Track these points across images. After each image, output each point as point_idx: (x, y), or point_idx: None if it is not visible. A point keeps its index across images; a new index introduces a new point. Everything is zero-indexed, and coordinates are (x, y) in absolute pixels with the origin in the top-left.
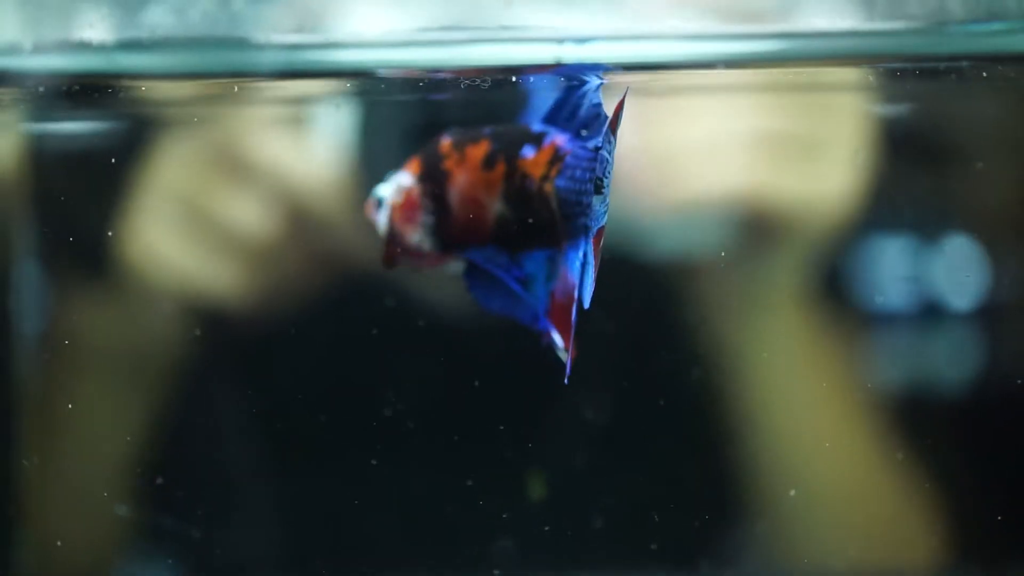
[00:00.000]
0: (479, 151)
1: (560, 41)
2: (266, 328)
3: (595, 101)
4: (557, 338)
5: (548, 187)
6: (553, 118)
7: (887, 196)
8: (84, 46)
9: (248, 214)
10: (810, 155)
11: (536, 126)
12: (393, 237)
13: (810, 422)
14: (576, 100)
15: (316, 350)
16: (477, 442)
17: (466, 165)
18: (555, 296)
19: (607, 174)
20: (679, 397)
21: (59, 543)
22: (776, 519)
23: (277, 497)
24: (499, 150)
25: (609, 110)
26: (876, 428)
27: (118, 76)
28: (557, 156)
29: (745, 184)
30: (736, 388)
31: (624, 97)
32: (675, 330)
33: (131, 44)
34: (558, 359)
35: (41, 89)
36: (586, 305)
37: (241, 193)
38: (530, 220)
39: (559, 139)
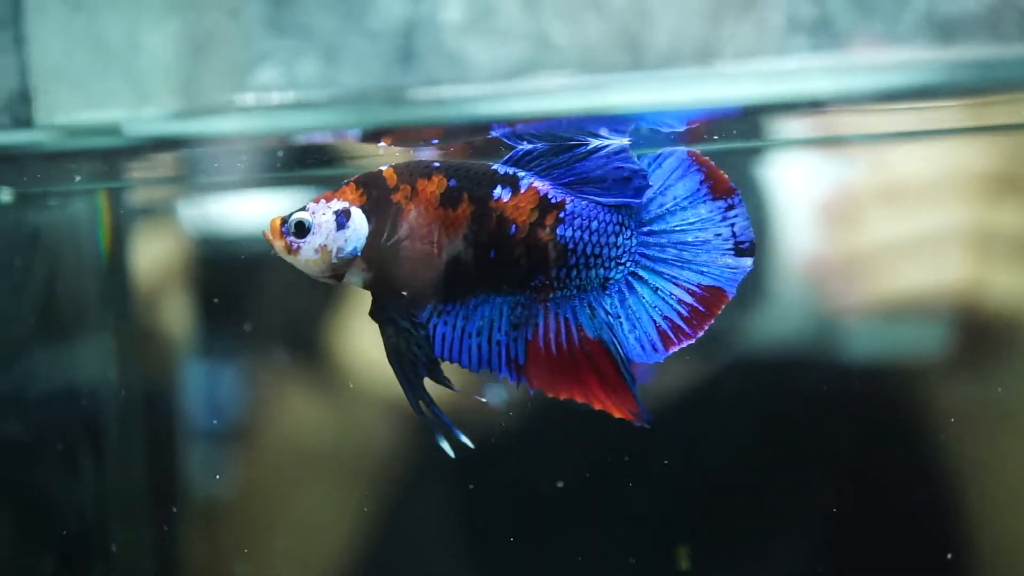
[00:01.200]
0: (432, 186)
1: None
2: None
3: (617, 163)
4: (536, 387)
5: (544, 234)
6: (528, 162)
7: None
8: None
9: None
10: None
11: (499, 167)
12: (334, 265)
13: None
14: (578, 154)
15: (529, 449)
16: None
17: (420, 200)
18: (537, 346)
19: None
20: (896, 500)
21: None
22: None
23: None
24: (460, 188)
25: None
26: None
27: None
28: (548, 203)
29: (960, 281)
30: (958, 496)
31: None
32: (889, 437)
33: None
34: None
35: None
36: (650, 359)
37: None
38: (503, 265)
39: (539, 184)
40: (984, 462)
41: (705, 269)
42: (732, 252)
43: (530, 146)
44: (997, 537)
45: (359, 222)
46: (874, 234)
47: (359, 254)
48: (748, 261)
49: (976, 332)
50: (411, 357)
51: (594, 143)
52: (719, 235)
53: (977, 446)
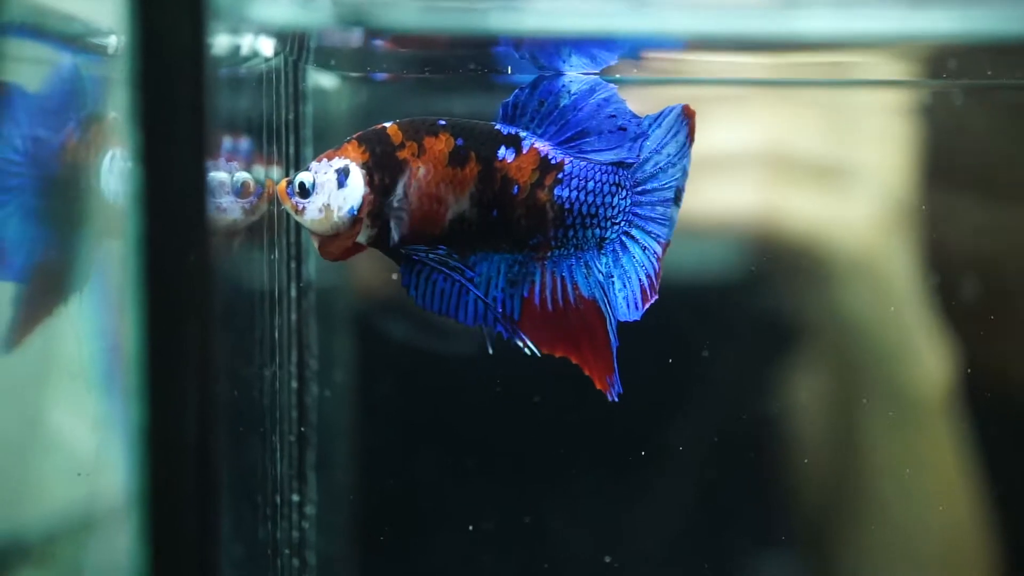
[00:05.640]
0: (440, 144)
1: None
2: None
3: (610, 110)
4: (530, 344)
5: (543, 195)
6: (519, 116)
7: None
8: None
9: None
10: (833, 177)
11: (503, 127)
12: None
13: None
14: (557, 99)
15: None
16: None
17: (428, 158)
18: (533, 303)
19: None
20: (702, 421)
21: None
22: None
23: None
24: (468, 147)
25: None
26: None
27: None
28: (548, 164)
29: (760, 206)
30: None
31: (685, 110)
32: (694, 355)
33: None
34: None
35: None
36: (630, 317)
37: None
38: (505, 224)
39: (539, 145)
40: (770, 379)
41: (671, 224)
42: (677, 203)
43: (513, 97)
44: (794, 441)
45: (355, 181)
46: None
47: (355, 213)
48: (678, 209)
49: (771, 254)
50: (456, 272)
51: (574, 85)
52: (680, 188)
53: (764, 365)
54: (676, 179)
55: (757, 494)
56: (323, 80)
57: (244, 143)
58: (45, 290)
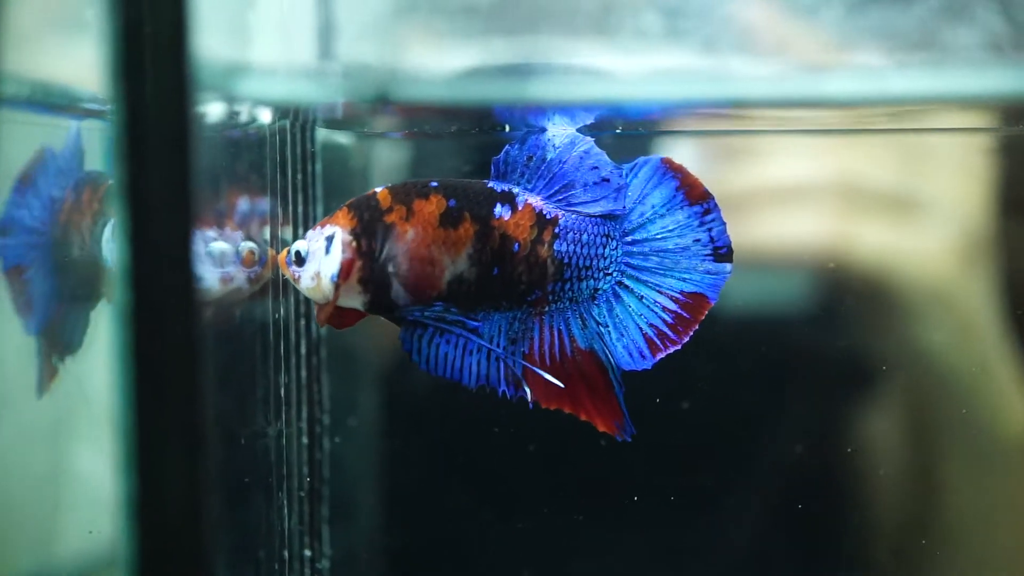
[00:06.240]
0: (431, 207)
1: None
2: None
3: (591, 162)
4: (531, 395)
5: (543, 251)
6: (510, 172)
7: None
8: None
9: None
10: (907, 208)
11: (496, 184)
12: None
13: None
14: (544, 153)
15: None
16: None
17: (417, 220)
18: (533, 358)
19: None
20: (773, 460)
21: None
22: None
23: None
24: (460, 207)
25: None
26: None
27: None
28: (543, 219)
29: (833, 238)
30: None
31: (664, 163)
32: (764, 391)
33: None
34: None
35: None
36: (636, 366)
37: None
38: (505, 281)
39: (533, 200)
40: (844, 416)
41: (687, 276)
42: (712, 258)
43: (503, 153)
44: (866, 489)
45: (336, 248)
46: (745, 178)
47: (336, 280)
48: (727, 267)
49: (844, 287)
50: (456, 327)
51: (556, 139)
52: (698, 240)
53: (838, 401)
54: (673, 232)
55: (830, 535)
56: (337, 136)
57: (261, 204)
58: (59, 343)
